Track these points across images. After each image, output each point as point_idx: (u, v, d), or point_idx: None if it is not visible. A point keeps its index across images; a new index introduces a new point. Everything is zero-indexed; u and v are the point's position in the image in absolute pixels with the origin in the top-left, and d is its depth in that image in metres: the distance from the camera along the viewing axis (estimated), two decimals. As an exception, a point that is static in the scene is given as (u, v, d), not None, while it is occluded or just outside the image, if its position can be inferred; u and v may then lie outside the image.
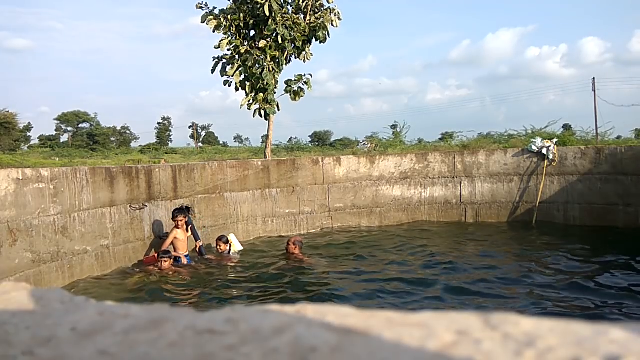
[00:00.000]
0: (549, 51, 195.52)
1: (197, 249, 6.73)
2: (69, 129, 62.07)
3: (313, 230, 8.60)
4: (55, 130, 62.33)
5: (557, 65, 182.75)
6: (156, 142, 58.72)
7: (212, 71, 9.32)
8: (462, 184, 9.13)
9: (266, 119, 9.43)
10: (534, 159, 8.71)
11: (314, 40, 9.35)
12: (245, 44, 9.12)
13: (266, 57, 8.92)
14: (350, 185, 9.00)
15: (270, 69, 8.95)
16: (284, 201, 8.48)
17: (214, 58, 9.30)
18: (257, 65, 8.93)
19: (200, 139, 65.56)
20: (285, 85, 9.56)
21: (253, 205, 8.13)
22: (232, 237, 7.06)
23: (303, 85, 9.58)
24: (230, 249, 6.85)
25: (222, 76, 9.30)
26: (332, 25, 9.32)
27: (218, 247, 6.74)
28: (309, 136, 64.55)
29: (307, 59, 9.55)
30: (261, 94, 9.09)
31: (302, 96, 9.58)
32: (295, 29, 8.94)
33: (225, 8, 9.23)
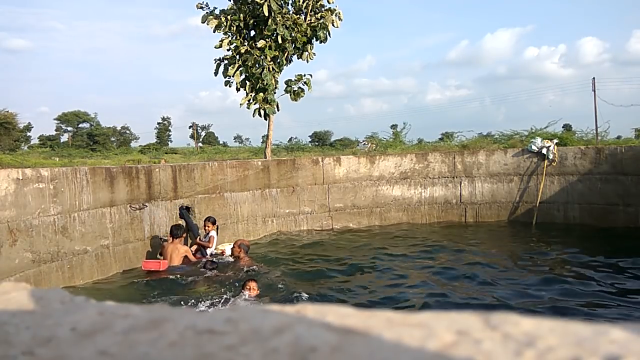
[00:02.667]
0: (548, 51, 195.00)
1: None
2: (69, 129, 61.99)
3: (314, 229, 8.61)
4: (55, 130, 62.26)
5: (556, 66, 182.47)
6: (156, 142, 58.61)
7: (215, 73, 9.32)
8: (462, 184, 9.13)
9: (266, 119, 9.43)
10: (534, 159, 8.71)
11: (314, 40, 9.35)
12: (246, 44, 9.11)
13: (266, 57, 8.92)
14: (350, 185, 9.00)
15: (270, 69, 8.95)
16: (284, 201, 8.48)
17: (216, 60, 9.31)
18: (257, 65, 8.93)
19: (200, 139, 65.46)
20: (285, 85, 9.57)
21: (253, 205, 8.13)
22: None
23: (303, 85, 9.58)
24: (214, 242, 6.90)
25: (225, 77, 9.30)
26: (333, 25, 9.32)
27: (206, 228, 6.81)
28: (309, 136, 64.38)
29: (310, 58, 9.55)
30: (261, 94, 9.09)
31: (302, 96, 9.58)
32: (296, 29, 8.94)
33: (225, 8, 9.24)
